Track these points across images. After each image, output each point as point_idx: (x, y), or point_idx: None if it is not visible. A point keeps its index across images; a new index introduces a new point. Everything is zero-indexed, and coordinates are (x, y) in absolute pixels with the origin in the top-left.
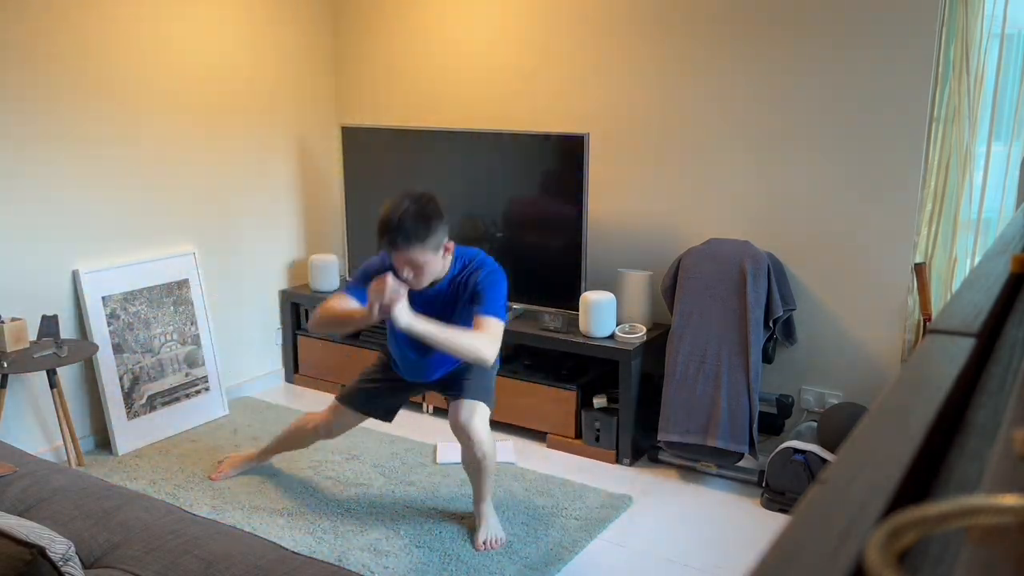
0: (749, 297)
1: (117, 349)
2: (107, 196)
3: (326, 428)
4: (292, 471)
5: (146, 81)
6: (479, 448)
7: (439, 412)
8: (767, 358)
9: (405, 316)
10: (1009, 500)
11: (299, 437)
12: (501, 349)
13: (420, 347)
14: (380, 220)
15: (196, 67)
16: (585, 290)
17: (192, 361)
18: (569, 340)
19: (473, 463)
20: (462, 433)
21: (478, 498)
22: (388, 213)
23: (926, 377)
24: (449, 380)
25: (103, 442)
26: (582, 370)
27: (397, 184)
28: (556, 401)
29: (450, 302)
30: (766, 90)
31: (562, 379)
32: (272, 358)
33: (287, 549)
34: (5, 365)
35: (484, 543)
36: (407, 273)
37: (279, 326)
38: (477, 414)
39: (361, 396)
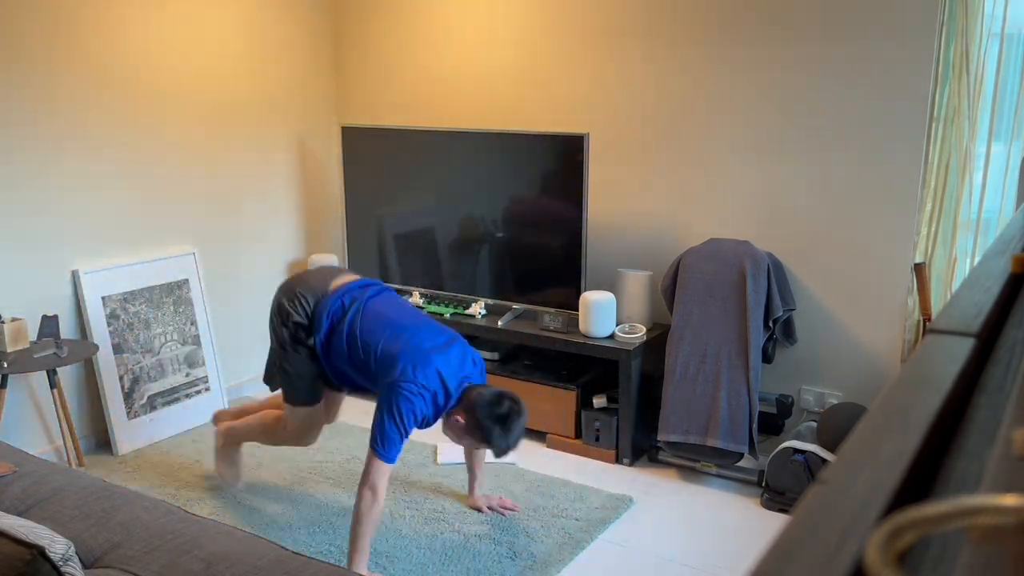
0: (749, 297)
1: (117, 349)
2: (107, 196)
3: (310, 438)
4: (292, 472)
5: (146, 81)
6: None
7: None
8: (767, 358)
9: None
10: (1009, 500)
11: (270, 436)
12: (498, 350)
13: (357, 371)
14: (504, 420)
15: (197, 67)
16: (585, 290)
17: (192, 361)
18: (569, 340)
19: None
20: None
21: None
22: (516, 422)
23: (926, 377)
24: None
25: (103, 442)
26: (582, 370)
27: (397, 184)
28: (556, 401)
29: None
30: (766, 90)
31: (562, 379)
32: None
33: (287, 549)
34: (5, 365)
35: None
36: (452, 435)
37: None
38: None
39: (314, 390)
